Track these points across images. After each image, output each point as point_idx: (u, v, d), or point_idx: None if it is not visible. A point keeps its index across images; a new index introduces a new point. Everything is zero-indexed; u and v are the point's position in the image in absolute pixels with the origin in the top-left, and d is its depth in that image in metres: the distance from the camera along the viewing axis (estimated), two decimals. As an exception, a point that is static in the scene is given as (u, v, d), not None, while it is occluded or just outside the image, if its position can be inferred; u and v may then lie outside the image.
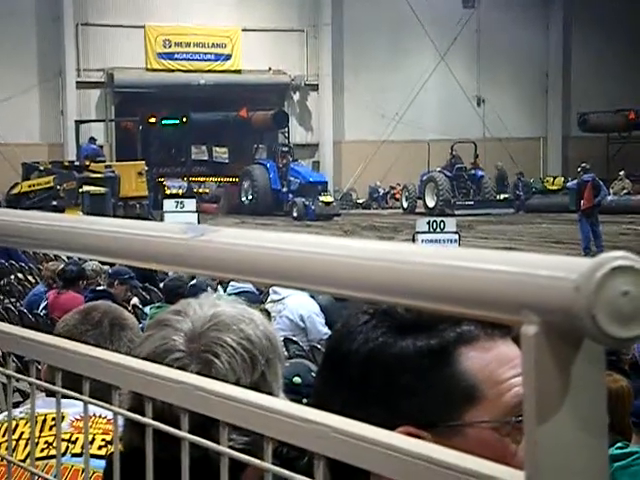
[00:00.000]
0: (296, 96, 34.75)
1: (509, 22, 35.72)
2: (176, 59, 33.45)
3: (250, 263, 0.81)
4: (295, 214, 28.06)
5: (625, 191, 30.08)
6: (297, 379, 4.38)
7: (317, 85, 34.77)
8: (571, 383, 0.61)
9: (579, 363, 0.61)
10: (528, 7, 36.42)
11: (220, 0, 33.55)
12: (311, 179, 29.19)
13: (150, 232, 0.96)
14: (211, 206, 31.10)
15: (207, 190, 33.39)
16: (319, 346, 8.06)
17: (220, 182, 32.73)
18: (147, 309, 8.37)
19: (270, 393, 1.19)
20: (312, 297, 8.57)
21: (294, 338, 8.21)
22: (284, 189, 29.33)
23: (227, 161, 33.64)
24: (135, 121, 29.57)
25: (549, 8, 37.27)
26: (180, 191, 32.82)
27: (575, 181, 20.66)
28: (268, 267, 0.79)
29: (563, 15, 37.13)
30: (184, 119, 32.74)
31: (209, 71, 33.58)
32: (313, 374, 4.59)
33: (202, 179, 33.76)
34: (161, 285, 9.31)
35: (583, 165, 19.82)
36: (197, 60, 33.68)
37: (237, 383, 1.10)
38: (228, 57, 34.03)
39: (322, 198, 28.21)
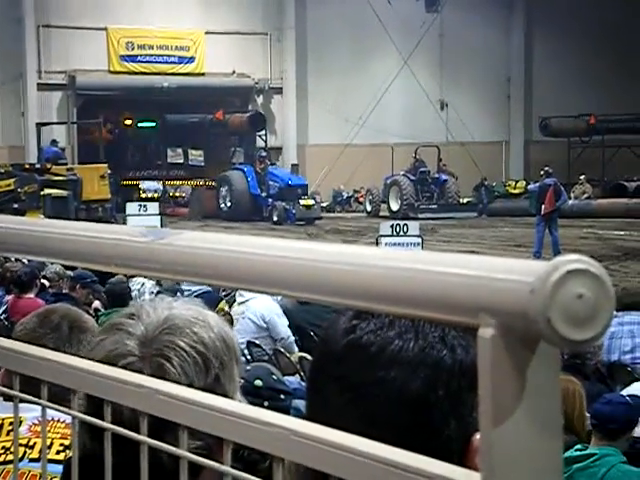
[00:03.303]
0: (260, 99, 34.72)
1: (472, 27, 35.95)
2: (139, 62, 33.28)
3: (210, 266, 0.81)
4: (275, 218, 27.68)
5: (585, 195, 30.36)
6: (258, 382, 4.38)
7: (281, 88, 34.77)
8: (527, 385, 0.61)
9: (535, 365, 0.62)
10: (491, 12, 36.68)
11: (184, 3, 33.45)
12: (290, 182, 28.68)
13: (111, 235, 0.95)
14: (186, 210, 30.84)
15: (183, 194, 33.08)
16: (281, 349, 8.05)
17: (195, 185, 32.34)
18: (108, 313, 8.32)
19: (225, 396, 1.18)
20: (275, 300, 8.58)
21: (257, 341, 8.21)
22: (263, 194, 28.90)
23: (203, 164, 33.17)
24: (98, 124, 29.31)
25: (511, 14, 37.56)
26: (156, 194, 32.60)
27: (537, 184, 20.77)
28: (228, 270, 0.79)
29: (525, 20, 37.45)
30: (156, 122, 32.57)
31: (172, 74, 33.44)
32: (274, 377, 4.59)
33: (178, 182, 33.40)
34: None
35: (546, 169, 19.90)
36: (160, 63, 33.53)
37: (190, 386, 1.10)
38: (191, 60, 33.92)
39: (303, 202, 27.81)
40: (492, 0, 36.52)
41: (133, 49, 33.17)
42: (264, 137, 31.58)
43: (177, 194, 33.25)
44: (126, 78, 32.60)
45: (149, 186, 32.93)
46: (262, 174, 29.12)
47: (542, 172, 20.18)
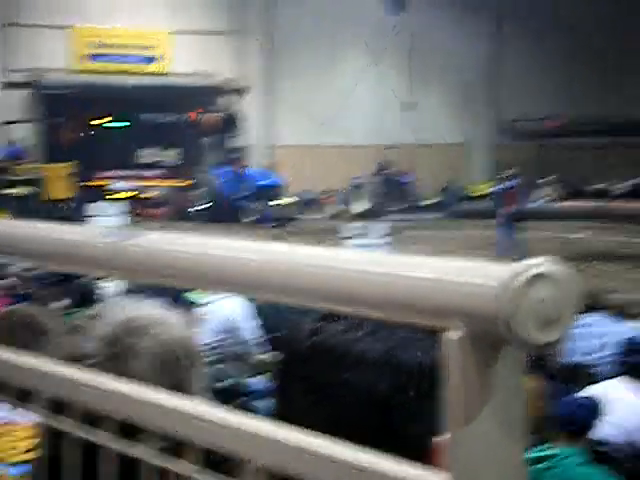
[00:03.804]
0: (226, 99, 34.64)
1: (441, 28, 36.11)
2: (105, 61, 33.09)
3: (171, 267, 0.80)
4: (251, 219, 27.43)
5: (551, 197, 30.60)
6: (223, 383, 4.37)
7: (247, 88, 34.71)
8: (492, 387, 0.62)
9: (500, 368, 0.62)
10: (459, 15, 36.86)
11: (150, 3, 33.30)
12: (265, 183, 28.61)
13: (75, 236, 0.95)
14: (159, 211, 30.43)
15: (155, 195, 32.77)
16: (246, 350, 8.03)
17: (169, 187, 31.83)
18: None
19: (189, 396, 1.18)
20: (250, 300, 8.53)
21: (221, 342, 8.18)
22: (238, 195, 28.71)
23: (176, 165, 32.64)
24: (62, 122, 29.07)
25: (479, 17, 37.76)
26: (127, 194, 32.26)
27: (500, 186, 20.88)
28: (190, 271, 0.79)
29: (493, 24, 37.67)
30: (129, 121, 32.27)
31: (138, 73, 33.28)
32: (239, 378, 4.58)
33: (151, 183, 32.86)
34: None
35: (509, 171, 19.99)
36: (126, 62, 33.35)
37: (154, 387, 1.10)
38: (157, 59, 33.78)
39: (277, 201, 27.73)
40: (461, 3, 36.70)
41: (97, 48, 32.97)
42: (239, 138, 31.40)
43: (150, 195, 32.92)
44: (92, 77, 32.38)
45: (121, 186, 32.59)
46: (237, 175, 28.99)
47: (505, 174, 20.27)
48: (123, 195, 31.83)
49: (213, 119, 30.96)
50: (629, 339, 6.68)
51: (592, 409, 4.88)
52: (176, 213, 29.34)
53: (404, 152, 31.70)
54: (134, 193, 32.13)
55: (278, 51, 35.11)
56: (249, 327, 8.48)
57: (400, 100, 36.16)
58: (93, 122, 33.71)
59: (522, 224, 19.03)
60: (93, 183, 31.91)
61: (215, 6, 34.19)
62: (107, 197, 30.50)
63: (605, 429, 5.36)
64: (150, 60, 33.75)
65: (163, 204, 30.79)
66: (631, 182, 29.76)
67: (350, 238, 12.60)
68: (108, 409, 0.87)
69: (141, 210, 30.96)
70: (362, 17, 34.94)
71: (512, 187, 19.07)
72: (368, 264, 0.69)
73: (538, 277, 0.60)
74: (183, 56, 33.23)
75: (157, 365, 1.26)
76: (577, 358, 7.53)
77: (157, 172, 32.72)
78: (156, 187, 32.70)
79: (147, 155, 32.86)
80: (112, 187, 32.13)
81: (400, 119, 36.16)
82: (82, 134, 33.90)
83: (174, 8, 33.58)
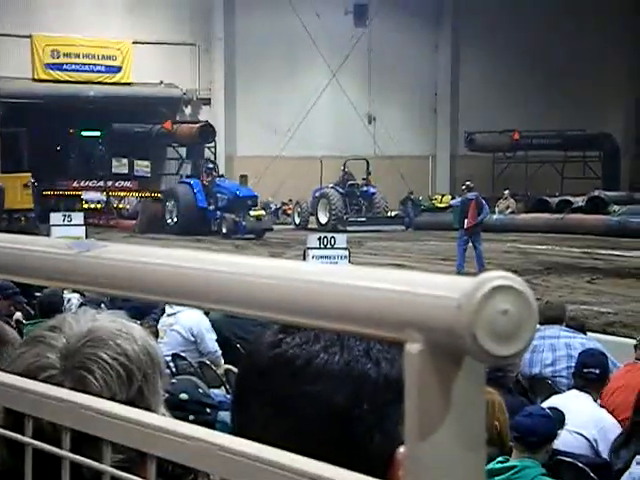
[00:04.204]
0: (188, 110, 34.57)
1: (400, 42, 36.36)
2: (65, 70, 32.87)
3: (136, 279, 0.80)
4: (224, 231, 27.02)
5: (509, 210, 30.86)
6: (184, 395, 4.34)
7: (209, 99, 34.67)
8: (452, 400, 0.62)
9: (460, 381, 0.62)
10: (418, 28, 37.15)
11: (111, 12, 33.16)
12: (239, 193, 28.04)
13: (35, 247, 0.94)
14: (130, 222, 29.94)
15: (127, 206, 31.89)
16: (208, 362, 8.01)
17: (141, 197, 31.16)
18: (30, 325, 8.17)
19: (148, 409, 1.17)
20: (206, 313, 8.52)
21: (183, 354, 8.15)
22: (211, 207, 28.24)
23: (149, 175, 31.90)
24: (20, 132, 28.73)
25: (439, 30, 38.10)
26: (99, 205, 31.76)
27: (459, 199, 20.94)
28: (154, 283, 0.79)
29: (452, 37, 38.01)
30: (101, 131, 31.86)
31: (99, 83, 33.11)
32: (200, 390, 4.55)
33: (123, 194, 32.26)
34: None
35: (467, 183, 19.98)
36: (86, 72, 33.17)
37: (112, 399, 1.09)
38: (119, 69, 33.64)
39: (252, 213, 27.26)
40: (420, 16, 36.98)
41: (59, 57, 32.75)
42: (213, 149, 30.97)
43: (121, 205, 32.26)
44: (51, 86, 32.16)
45: (92, 197, 32.00)
46: (209, 186, 28.53)
47: (464, 186, 20.31)
48: (95, 206, 31.48)
49: (188, 129, 30.44)
50: (586, 351, 6.75)
51: (555, 420, 4.92)
52: (148, 224, 28.87)
53: (365, 164, 31.80)
54: (101, 205, 31.73)
55: (239, 62, 35.14)
56: (212, 338, 8.46)
57: (358, 112, 36.31)
58: (84, 132, 33.19)
59: (479, 236, 19.04)
60: (60, 193, 31.54)
61: (178, 17, 34.13)
62: (80, 208, 30.21)
63: (566, 440, 5.40)
64: (111, 70, 33.59)
65: (136, 216, 30.30)
66: (587, 196, 30.11)
67: (312, 249, 12.61)
68: (67, 422, 0.86)
69: (113, 221, 30.64)
70: (322, 30, 35.07)
71: (470, 199, 19.12)
72: (327, 276, 0.68)
73: (500, 289, 0.60)
74: (145, 66, 33.12)
75: (118, 377, 1.25)
76: (536, 370, 7.59)
77: (128, 183, 32.18)
78: (128, 198, 32.28)
79: (118, 165, 32.29)
80: (83, 197, 31.72)
81: (360, 131, 36.32)
82: (48, 144, 33.50)
83: (135, 18, 33.47)
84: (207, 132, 30.14)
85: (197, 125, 30.55)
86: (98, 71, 33.37)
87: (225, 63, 34.72)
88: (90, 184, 32.73)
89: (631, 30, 37.92)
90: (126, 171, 32.22)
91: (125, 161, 32.21)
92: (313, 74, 35.73)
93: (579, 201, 29.87)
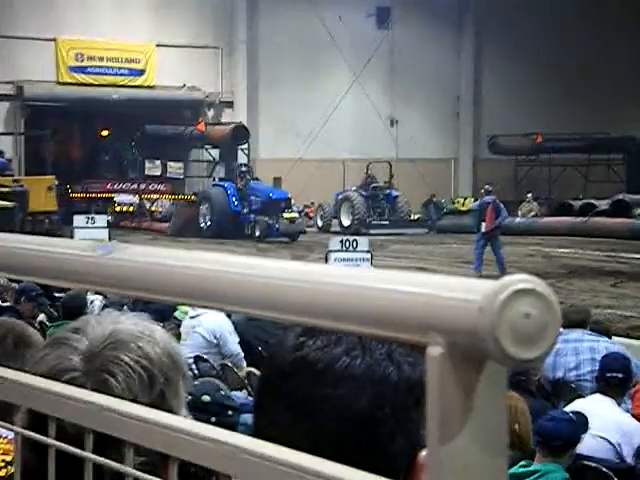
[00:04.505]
0: (210, 113, 34.66)
1: (422, 45, 36.31)
2: (88, 73, 33.04)
3: (158, 281, 0.80)
4: (258, 234, 26.60)
5: (532, 213, 30.73)
6: (206, 397, 4.35)
7: (232, 102, 34.74)
8: (474, 403, 0.62)
9: (482, 384, 0.62)
10: (440, 31, 37.08)
11: (135, 15, 33.31)
12: (272, 196, 27.57)
13: (59, 249, 0.94)
14: (163, 225, 29.47)
15: (160, 209, 31.33)
16: (230, 364, 8.02)
17: (175, 200, 30.59)
18: (54, 326, 8.21)
19: (170, 411, 1.17)
20: (228, 316, 8.54)
21: (205, 356, 8.17)
22: (244, 210, 27.77)
23: (182, 177, 31.20)
24: (45, 135, 28.91)
25: (462, 33, 38.01)
26: (131, 208, 31.45)
27: (477, 202, 20.93)
28: (175, 285, 0.79)
29: (475, 40, 37.92)
30: (138, 132, 31.68)
31: (122, 86, 33.25)
32: (222, 392, 4.56)
33: (155, 196, 31.72)
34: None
35: (486, 187, 20.02)
36: (110, 75, 33.31)
37: (134, 402, 1.09)
38: (142, 72, 33.77)
39: (286, 215, 26.77)
40: (443, 19, 36.91)
41: (82, 60, 32.92)
42: (246, 151, 30.22)
43: (154, 208, 31.80)
44: (75, 89, 32.32)
45: (124, 199, 31.70)
46: (243, 189, 28.08)
47: (482, 190, 20.34)
48: (127, 209, 31.31)
49: (221, 131, 29.85)
50: (609, 355, 6.70)
51: (578, 424, 4.89)
52: (182, 227, 28.38)
53: (388, 166, 31.77)
54: (133, 208, 31.47)
55: (262, 65, 35.20)
56: (235, 340, 8.48)
57: (380, 115, 36.28)
58: (103, 134, 33.04)
59: (500, 239, 18.97)
60: (92, 196, 31.43)
61: (201, 21, 34.24)
62: (112, 210, 30.19)
63: (590, 444, 5.37)
64: (135, 73, 33.74)
65: (170, 219, 29.83)
66: (611, 199, 29.94)
67: (334, 252, 12.61)
68: (89, 424, 0.86)
69: (145, 224, 30.44)
70: (345, 33, 35.07)
71: (487, 203, 19.08)
72: (348, 278, 0.68)
73: (522, 292, 0.59)
74: (168, 69, 33.24)
75: (140, 379, 1.25)
76: (559, 374, 7.55)
77: (161, 186, 31.62)
78: (160, 200, 31.84)
79: (152, 167, 31.74)
80: (115, 200, 31.48)
81: (382, 134, 36.28)
82: (79, 146, 33.51)
83: (159, 21, 33.61)
84: (240, 133, 29.49)
85: (230, 126, 29.98)
86: (122, 74, 33.51)
87: (248, 66, 34.78)
88: (123, 186, 32.37)
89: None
90: (159, 173, 31.63)
91: (158, 163, 31.61)
92: (335, 77, 35.73)
93: (603, 204, 29.70)
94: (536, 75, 36.74)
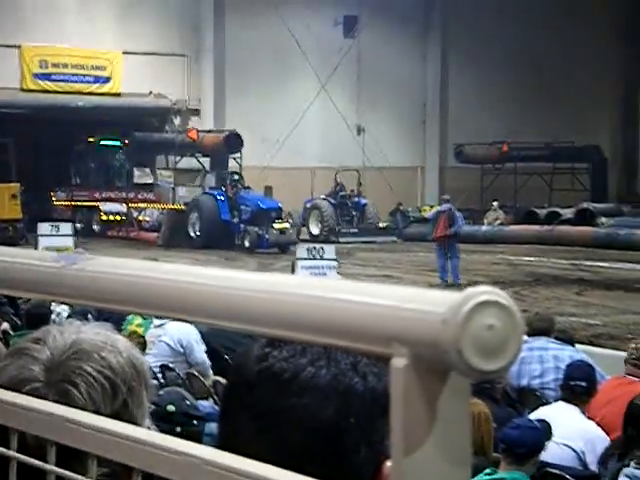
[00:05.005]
0: (177, 120, 34.55)
1: (389, 53, 36.45)
2: (53, 80, 32.80)
3: (121, 292, 0.79)
4: (247, 244, 25.99)
5: (498, 221, 30.90)
6: (171, 407, 4.33)
7: (198, 110, 34.66)
8: (437, 415, 0.62)
9: (445, 395, 0.62)
10: (407, 40, 37.26)
11: (101, 22, 33.16)
12: (263, 205, 26.99)
13: (22, 260, 0.94)
14: (152, 235, 28.85)
15: (147, 218, 30.43)
16: (196, 373, 7.98)
17: (163, 209, 29.63)
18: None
19: (133, 422, 1.16)
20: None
21: (171, 365, 8.13)
22: (235, 219, 27.13)
23: (173, 186, 29.90)
24: (6, 142, 28.44)
25: (427, 41, 38.22)
26: (118, 217, 30.68)
27: (433, 211, 21.20)
28: (139, 296, 0.78)
29: (441, 48, 38.14)
30: (126, 140, 31.09)
31: (88, 93, 33.06)
32: (187, 402, 4.54)
33: (144, 205, 30.69)
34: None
35: (443, 197, 20.45)
36: (75, 82, 33.09)
37: (97, 412, 1.08)
38: (108, 80, 33.60)
39: (276, 225, 26.23)
40: (409, 28, 37.09)
41: (47, 67, 32.69)
42: (239, 159, 29.56)
43: (141, 217, 30.80)
44: (39, 97, 32.08)
45: (110, 208, 30.65)
46: (234, 198, 27.47)
47: (441, 198, 20.71)
48: (114, 218, 30.68)
49: (213, 139, 29.11)
50: (573, 363, 6.75)
51: (543, 432, 4.92)
52: (171, 237, 27.77)
53: (356, 174, 31.83)
54: (120, 217, 30.78)
55: (228, 73, 35.16)
56: (201, 349, 8.45)
57: (347, 123, 36.36)
58: (105, 142, 32.38)
59: (456, 247, 19.07)
60: (86, 204, 30.83)
61: (167, 28, 34.16)
62: (98, 219, 29.67)
63: (554, 452, 5.40)
64: (101, 80, 33.55)
65: (159, 228, 29.12)
66: (576, 208, 30.22)
67: (301, 259, 12.62)
68: (52, 436, 0.85)
69: (133, 233, 29.87)
70: (312, 41, 35.14)
71: (442, 212, 19.23)
72: (313, 289, 0.68)
73: (485, 304, 0.60)
74: (134, 77, 33.10)
75: (102, 390, 1.24)
76: (524, 381, 7.59)
77: (150, 194, 30.67)
78: (148, 209, 30.64)
79: (141, 175, 31.17)
80: (102, 208, 30.80)
81: (349, 142, 36.34)
82: (48, 154, 32.94)
83: (125, 29, 33.48)
84: (233, 141, 28.71)
85: (224, 134, 29.22)
86: (87, 81, 33.30)
87: (214, 73, 34.73)
88: (111, 195, 31.27)
89: (619, 45, 38.18)
90: (150, 181, 30.82)
91: (148, 171, 31.00)
92: (302, 85, 35.77)
93: (568, 213, 29.96)
94: (502, 84, 37.01)
